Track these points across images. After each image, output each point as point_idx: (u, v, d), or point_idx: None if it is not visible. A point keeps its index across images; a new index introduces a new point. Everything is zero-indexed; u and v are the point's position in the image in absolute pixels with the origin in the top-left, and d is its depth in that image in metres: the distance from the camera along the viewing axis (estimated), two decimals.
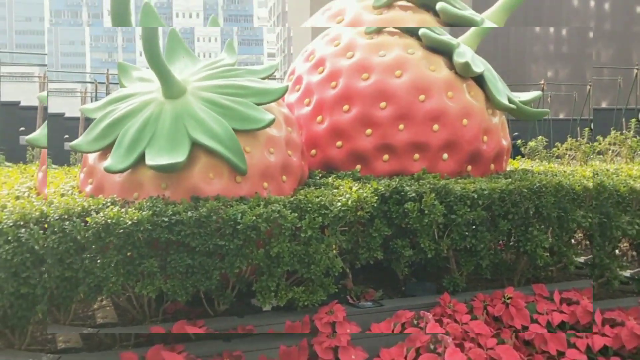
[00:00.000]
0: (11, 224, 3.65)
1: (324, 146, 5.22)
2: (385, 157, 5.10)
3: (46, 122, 4.56)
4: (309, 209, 4.11)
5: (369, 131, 5.08)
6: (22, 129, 15.80)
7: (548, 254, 4.83)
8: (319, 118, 5.24)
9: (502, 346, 4.15)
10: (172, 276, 3.87)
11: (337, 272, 4.25)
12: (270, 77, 4.79)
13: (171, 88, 4.37)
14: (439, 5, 5.26)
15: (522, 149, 10.06)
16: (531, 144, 9.68)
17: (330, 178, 4.83)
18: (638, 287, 5.35)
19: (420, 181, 4.68)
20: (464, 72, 5.21)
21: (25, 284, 3.68)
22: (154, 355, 3.73)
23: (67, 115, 20.00)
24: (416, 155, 5.09)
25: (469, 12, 5.39)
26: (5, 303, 3.68)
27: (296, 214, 4.04)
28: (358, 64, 5.18)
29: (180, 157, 4.05)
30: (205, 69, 4.70)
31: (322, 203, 4.15)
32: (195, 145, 4.17)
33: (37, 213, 3.76)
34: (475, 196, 4.53)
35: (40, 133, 4.63)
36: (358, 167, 5.14)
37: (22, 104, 17.71)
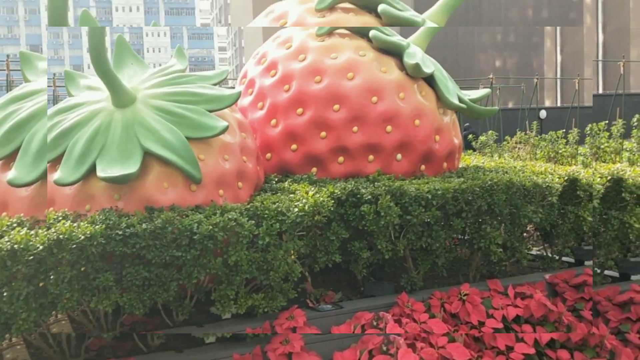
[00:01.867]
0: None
1: (279, 150, 5.20)
2: (340, 159, 5.11)
3: None
4: (266, 215, 4.10)
5: (323, 134, 5.08)
6: None
7: (501, 250, 4.93)
8: (273, 122, 5.22)
9: (452, 344, 4.24)
10: (128, 289, 3.81)
11: (296, 277, 4.24)
12: (221, 83, 4.75)
13: (120, 96, 4.29)
14: (380, 7, 5.28)
15: (473, 143, 10.22)
16: (482, 138, 9.85)
17: (286, 182, 4.81)
18: (543, 264, 5.66)
19: (376, 183, 4.71)
20: (414, 73, 5.26)
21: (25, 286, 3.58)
22: None
23: None
24: (371, 157, 5.12)
25: (409, 14, 5.44)
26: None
27: (253, 222, 4.02)
28: (310, 66, 5.18)
29: (132, 167, 3.99)
30: (155, 76, 4.63)
31: (279, 209, 4.13)
32: (148, 155, 4.11)
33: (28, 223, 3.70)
34: (430, 197, 4.59)
35: None
36: (314, 170, 5.14)
37: None
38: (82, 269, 3.72)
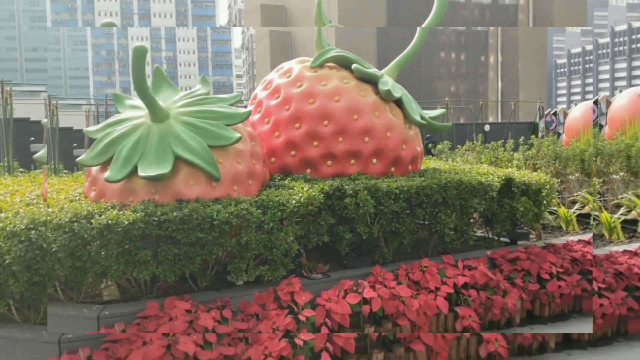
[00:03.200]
0: (23, 227, 3.54)
1: (281, 155, 5.19)
2: (329, 163, 5.11)
3: (47, 143, 4.38)
4: (270, 205, 4.10)
5: (315, 143, 5.08)
6: (32, 139, 15.50)
7: (453, 232, 4.94)
8: (277, 134, 5.21)
9: (400, 286, 4.31)
10: (162, 262, 3.81)
11: (294, 253, 4.25)
12: (236, 104, 4.75)
13: (157, 114, 4.28)
14: (353, 66, 5.31)
15: (432, 150, 10.23)
16: (439, 146, 9.86)
17: (286, 180, 4.81)
18: (485, 243, 5.72)
19: (356, 181, 4.71)
20: (386, 97, 5.26)
21: (79, 260, 3.66)
22: (170, 303, 3.77)
23: (75, 128, 19.49)
24: (352, 161, 5.12)
25: (373, 70, 5.46)
26: (66, 272, 3.68)
27: (260, 210, 4.02)
28: (306, 91, 5.17)
29: (165, 168, 3.98)
30: (184, 98, 4.62)
31: (281, 201, 4.13)
32: (178, 159, 4.10)
33: (44, 217, 3.65)
34: (398, 192, 4.60)
35: (43, 153, 4.45)
36: (308, 171, 5.13)
37: (31, 119, 17.32)
38: (127, 246, 3.72)
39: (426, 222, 5.04)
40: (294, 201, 4.14)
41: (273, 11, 56.30)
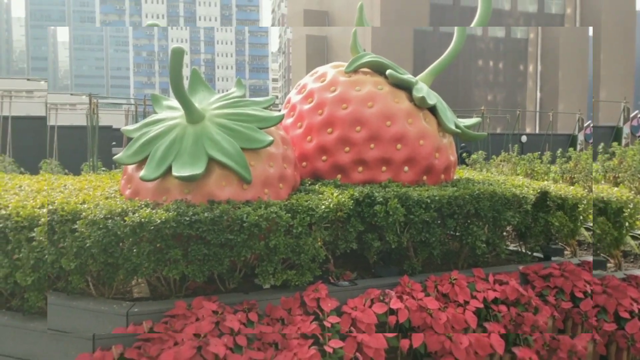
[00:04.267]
0: (102, 217, 3.71)
1: (312, 160, 5.20)
2: (360, 169, 5.09)
3: (127, 145, 4.45)
4: (299, 210, 4.10)
5: (347, 149, 5.07)
6: (113, 143, 16.84)
7: (485, 245, 4.84)
8: (309, 138, 5.22)
9: (428, 298, 4.22)
10: (192, 262, 3.85)
11: (321, 259, 4.24)
12: (270, 107, 4.78)
13: (192, 115, 4.34)
14: (387, 72, 5.27)
15: (466, 160, 10.06)
16: (473, 156, 9.69)
17: (317, 185, 4.80)
18: (518, 258, 5.50)
19: (386, 189, 4.67)
20: (420, 104, 5.21)
21: (111, 257, 3.78)
22: (197, 303, 3.80)
23: (114, 127, 20.27)
24: (384, 168, 5.08)
25: (407, 76, 5.40)
26: (99, 268, 3.84)
27: (289, 214, 4.03)
28: (339, 96, 5.17)
29: (198, 169, 4.03)
30: (220, 100, 4.67)
31: (310, 206, 4.13)
32: (211, 160, 4.15)
33: (119, 209, 3.78)
34: (429, 201, 4.53)
35: (122, 154, 4.48)
36: (339, 176, 5.12)
37: (113, 127, 18.79)
38: (158, 245, 3.78)
39: (457, 234, 4.95)
40: (323, 206, 4.13)
41: (315, 16, 57.08)
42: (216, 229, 3.80)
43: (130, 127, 4.65)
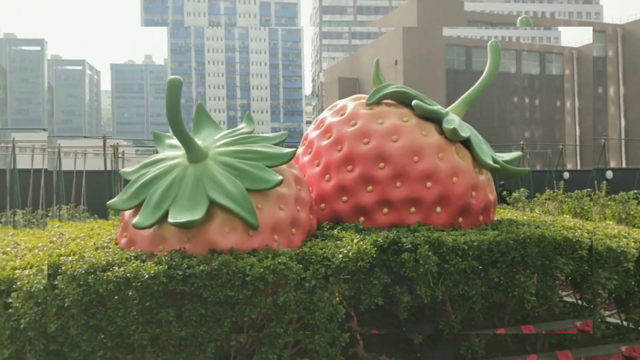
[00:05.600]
0: (83, 272, 3.20)
1: (331, 201, 4.65)
2: (385, 210, 4.50)
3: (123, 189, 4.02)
4: (313, 260, 3.53)
5: (370, 188, 4.50)
6: None
7: (534, 298, 4.12)
8: (327, 177, 4.69)
9: None
10: (187, 324, 3.29)
11: (341, 318, 3.62)
12: (281, 143, 4.29)
13: (193, 154, 3.89)
14: (413, 102, 4.74)
15: (507, 198, 9.30)
16: (515, 194, 8.93)
17: (335, 230, 4.24)
18: (618, 334, 4.46)
19: (416, 233, 4.06)
20: (452, 136, 4.63)
21: (93, 318, 3.23)
22: None
23: None
24: (412, 209, 4.48)
25: (437, 107, 4.86)
26: (79, 331, 3.25)
27: (301, 265, 3.46)
28: (359, 130, 4.65)
29: (197, 215, 3.54)
30: (226, 137, 4.22)
31: (325, 255, 3.56)
32: (213, 204, 3.65)
33: (104, 262, 3.29)
34: (466, 247, 3.89)
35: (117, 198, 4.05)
36: (361, 219, 4.55)
37: None
38: (147, 304, 3.25)
39: (501, 285, 4.24)
40: (340, 255, 3.55)
41: (348, 83, 61.28)
42: (214, 284, 3.26)
43: (129, 169, 4.22)
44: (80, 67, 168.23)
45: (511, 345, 4.23)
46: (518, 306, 4.25)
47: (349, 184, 4.55)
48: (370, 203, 4.49)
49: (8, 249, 4.24)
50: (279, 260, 3.39)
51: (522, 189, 8.89)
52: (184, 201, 3.67)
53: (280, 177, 3.76)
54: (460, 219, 4.61)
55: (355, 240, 3.77)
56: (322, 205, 4.70)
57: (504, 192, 9.85)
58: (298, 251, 3.58)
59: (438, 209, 4.51)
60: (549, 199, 8.29)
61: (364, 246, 3.70)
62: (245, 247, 3.64)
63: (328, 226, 4.43)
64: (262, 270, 3.29)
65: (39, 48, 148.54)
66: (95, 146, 16.64)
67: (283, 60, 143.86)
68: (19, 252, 4.01)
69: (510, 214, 5.88)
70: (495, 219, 5.26)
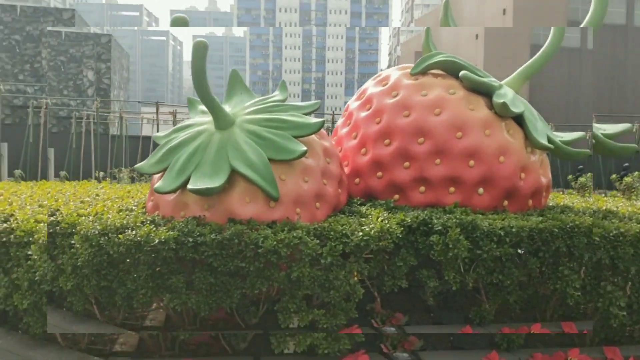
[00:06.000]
0: (96, 233, 3.21)
1: (366, 176, 4.42)
2: (422, 188, 4.22)
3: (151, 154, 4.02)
4: (330, 236, 3.35)
5: (407, 164, 4.23)
6: None
7: (579, 294, 3.72)
8: (363, 150, 4.46)
9: None
10: (197, 292, 3.24)
11: (358, 298, 3.43)
12: (314, 112, 4.09)
13: (220, 120, 3.79)
14: (461, 74, 4.34)
15: (617, 184, 8.22)
16: (626, 179, 7.82)
17: (365, 207, 4.02)
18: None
19: (449, 215, 3.76)
20: (502, 112, 4.24)
21: (105, 279, 3.28)
22: None
23: None
24: (452, 189, 4.18)
25: (488, 79, 4.43)
26: (92, 291, 3.33)
27: (318, 241, 3.29)
28: (400, 102, 4.36)
29: (216, 182, 3.44)
30: (256, 104, 4.08)
31: (344, 232, 3.37)
32: (235, 172, 3.55)
33: (118, 224, 3.27)
34: (502, 233, 3.56)
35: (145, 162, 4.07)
36: (396, 197, 4.30)
37: None
38: (157, 269, 3.22)
39: (543, 277, 3.87)
40: (360, 233, 3.34)
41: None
42: (224, 254, 3.16)
43: (162, 133, 4.19)
44: (164, 38, 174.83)
45: (520, 312, 3.89)
46: (561, 301, 3.87)
47: (384, 158, 4.30)
48: (406, 180, 4.23)
49: (87, 199, 4.42)
50: (295, 234, 3.24)
51: (636, 173, 7.79)
52: (206, 168, 3.59)
53: (305, 148, 3.58)
54: (506, 203, 4.25)
55: (380, 219, 3.55)
56: (357, 180, 4.49)
57: (613, 177, 8.83)
58: (317, 226, 3.42)
59: (481, 190, 4.17)
60: None
61: (388, 225, 3.47)
62: (265, 218, 3.52)
63: (359, 202, 4.22)
64: (275, 243, 3.16)
65: (164, 38, 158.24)
66: (165, 112, 17.23)
67: (360, 33, 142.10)
68: (92, 202, 4.14)
69: (568, 200, 5.39)
70: (552, 204, 4.83)
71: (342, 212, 3.98)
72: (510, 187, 4.19)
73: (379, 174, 4.34)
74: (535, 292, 3.86)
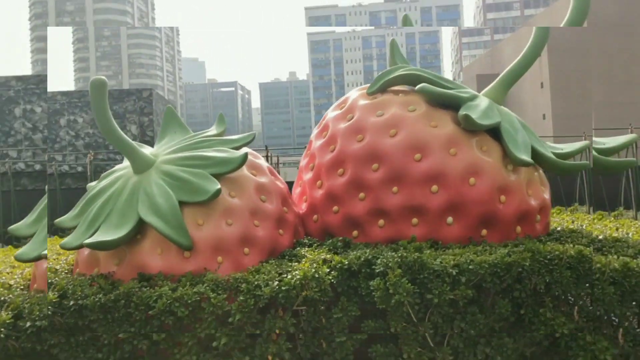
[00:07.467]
0: None
1: (322, 211, 3.85)
2: (381, 222, 3.59)
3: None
4: (242, 289, 2.82)
5: (362, 195, 3.64)
6: None
7: (574, 341, 2.91)
8: (319, 183, 3.91)
9: None
10: None
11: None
12: (248, 145, 3.63)
13: (135, 162, 3.41)
14: (418, 87, 3.73)
15: None
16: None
17: (304, 248, 3.45)
18: None
19: (393, 253, 3.11)
20: (467, 126, 3.57)
21: None
22: None
23: None
24: (414, 220, 3.52)
25: (456, 91, 3.77)
26: None
27: (225, 296, 2.77)
28: (354, 125, 3.80)
29: (118, 234, 3.04)
30: (183, 141, 3.67)
31: (257, 283, 2.82)
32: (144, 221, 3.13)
33: None
34: (455, 272, 2.86)
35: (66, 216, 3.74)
36: (355, 233, 3.70)
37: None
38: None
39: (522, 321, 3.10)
40: (275, 283, 2.78)
41: (487, 79, 58.13)
42: (110, 318, 2.71)
43: (94, 183, 3.88)
44: (232, 89, 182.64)
45: None
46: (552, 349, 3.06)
47: (338, 190, 3.73)
48: (362, 213, 3.63)
49: None
50: (196, 290, 2.74)
51: None
52: (114, 218, 3.20)
53: (217, 187, 3.11)
54: (484, 232, 3.53)
55: (306, 264, 2.97)
56: (315, 217, 3.93)
57: None
58: (227, 278, 2.90)
59: (450, 220, 3.49)
60: None
61: (314, 271, 2.88)
62: (179, 270, 3.06)
63: (308, 243, 3.65)
64: (170, 302, 2.67)
65: (233, 89, 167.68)
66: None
67: (421, 62, 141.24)
68: None
69: (584, 221, 4.50)
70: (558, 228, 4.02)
71: (282, 256, 3.43)
72: (486, 213, 3.48)
73: (335, 208, 3.77)
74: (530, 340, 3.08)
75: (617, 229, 4.10)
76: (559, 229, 4.11)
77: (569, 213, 5.58)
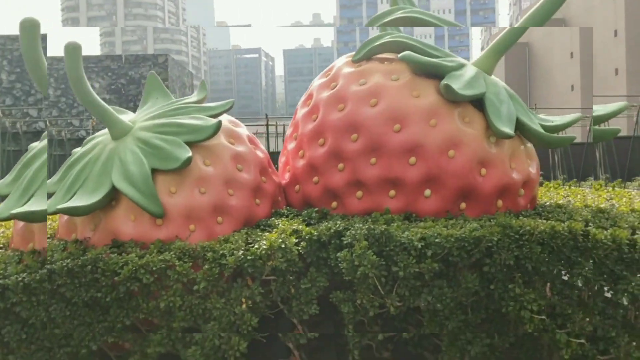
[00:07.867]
0: None
1: (303, 182, 3.83)
2: (359, 193, 3.55)
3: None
4: (207, 257, 2.84)
5: (341, 166, 3.59)
6: None
7: (542, 318, 2.87)
8: (301, 153, 3.88)
9: None
10: (58, 329, 2.86)
11: (250, 327, 2.87)
12: (227, 112, 3.60)
13: (112, 128, 3.41)
14: (400, 55, 3.59)
15: None
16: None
17: (281, 219, 3.45)
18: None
19: (362, 225, 3.08)
20: (448, 96, 3.47)
21: None
22: None
23: None
24: (392, 192, 3.47)
25: (443, 59, 3.62)
26: None
27: (190, 264, 2.80)
28: (335, 94, 3.73)
29: (91, 199, 3.07)
30: (161, 108, 3.65)
31: (222, 252, 2.84)
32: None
33: None
34: (420, 246, 2.83)
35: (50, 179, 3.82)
36: (334, 204, 3.67)
37: None
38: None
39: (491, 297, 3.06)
40: (240, 252, 2.79)
41: (515, 48, 56.17)
42: (77, 283, 2.76)
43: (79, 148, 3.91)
44: (256, 55, 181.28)
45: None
46: (518, 324, 3.02)
47: (318, 161, 3.69)
48: (341, 185, 3.59)
49: None
50: (161, 258, 2.77)
51: None
52: (90, 184, 3.22)
53: (188, 155, 3.10)
54: (463, 205, 3.46)
55: (274, 235, 2.97)
56: (297, 187, 3.91)
57: None
58: (193, 246, 2.91)
59: (427, 192, 3.43)
60: None
61: (281, 241, 2.88)
62: (151, 237, 3.09)
63: (286, 213, 3.64)
64: (135, 269, 2.71)
65: (256, 55, 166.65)
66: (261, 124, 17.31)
67: (449, 30, 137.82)
68: None
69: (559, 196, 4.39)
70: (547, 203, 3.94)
71: (257, 226, 3.43)
72: (465, 186, 3.41)
73: (315, 179, 3.73)
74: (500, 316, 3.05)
75: (607, 200, 3.99)
76: (547, 203, 4.02)
77: (567, 188, 5.44)
